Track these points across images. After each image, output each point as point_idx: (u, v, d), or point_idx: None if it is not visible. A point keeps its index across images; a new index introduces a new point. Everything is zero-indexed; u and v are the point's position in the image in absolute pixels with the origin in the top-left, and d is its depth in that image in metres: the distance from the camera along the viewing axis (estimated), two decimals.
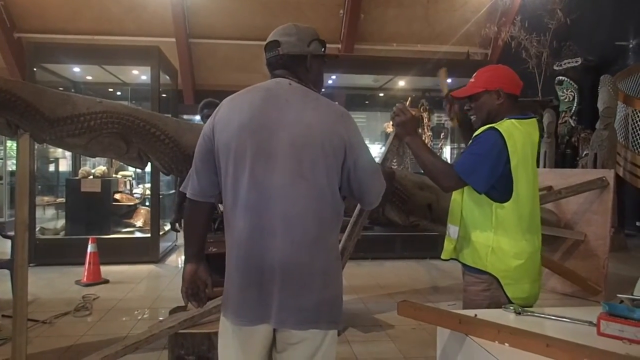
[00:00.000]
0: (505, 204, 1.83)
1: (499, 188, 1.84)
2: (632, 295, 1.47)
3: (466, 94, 1.99)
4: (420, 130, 8.20)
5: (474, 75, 1.99)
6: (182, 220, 4.16)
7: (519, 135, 1.84)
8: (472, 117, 2.01)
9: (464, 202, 1.94)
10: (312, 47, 1.58)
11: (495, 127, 1.84)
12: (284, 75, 1.57)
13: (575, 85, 8.38)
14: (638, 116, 7.68)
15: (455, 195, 2.00)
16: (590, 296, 4.47)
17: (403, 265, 6.16)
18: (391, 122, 2.10)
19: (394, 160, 2.14)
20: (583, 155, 7.92)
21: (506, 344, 1.38)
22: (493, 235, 1.85)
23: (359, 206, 2.39)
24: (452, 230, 1.99)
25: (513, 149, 1.80)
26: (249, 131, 1.47)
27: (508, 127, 1.84)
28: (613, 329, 1.41)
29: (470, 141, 1.95)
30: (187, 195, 1.63)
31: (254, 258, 1.47)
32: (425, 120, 8.13)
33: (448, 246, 2.01)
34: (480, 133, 1.89)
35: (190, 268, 1.64)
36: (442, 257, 2.05)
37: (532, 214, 1.89)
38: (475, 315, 1.55)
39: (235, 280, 1.51)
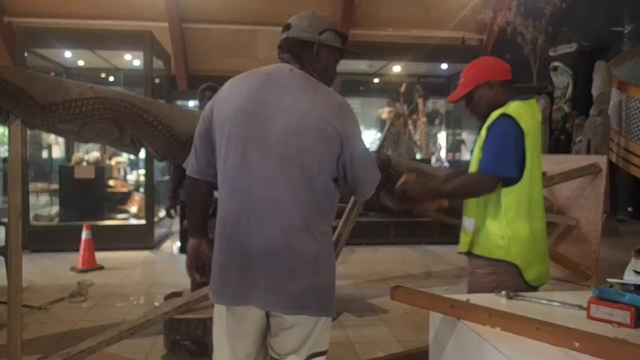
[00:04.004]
0: (515, 187, 1.85)
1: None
2: (622, 279, 1.49)
3: (459, 97, 2.00)
4: (414, 116, 8.18)
5: (461, 76, 2.01)
6: (177, 207, 4.18)
7: (526, 115, 1.86)
8: (474, 115, 2.02)
9: None
10: (323, 35, 1.56)
11: (504, 111, 1.86)
12: (288, 60, 1.56)
13: (570, 71, 8.38)
14: (632, 102, 7.70)
15: None
16: (581, 280, 4.52)
17: (397, 251, 6.20)
18: (391, 118, 2.11)
19: (390, 148, 2.16)
20: (577, 141, 7.95)
21: (497, 328, 1.39)
22: (506, 224, 1.86)
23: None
24: (468, 222, 1.98)
25: (526, 128, 1.83)
26: (243, 114, 1.48)
27: (515, 108, 1.86)
28: (603, 312, 1.44)
29: (483, 131, 1.93)
30: (187, 173, 1.67)
31: (240, 239, 1.48)
32: (420, 106, 8.11)
33: (464, 239, 2.00)
34: (492, 122, 1.90)
35: (193, 242, 1.69)
36: (459, 250, 2.03)
37: (540, 193, 1.93)
38: (468, 300, 1.57)
39: (219, 259, 1.54)
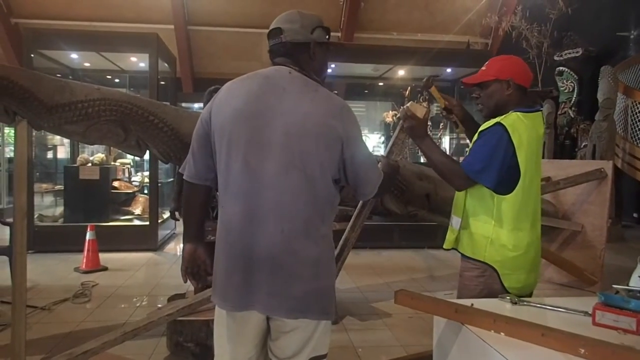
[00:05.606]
0: (508, 196, 1.83)
1: (503, 181, 1.83)
2: (628, 286, 1.48)
3: (476, 81, 1.98)
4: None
5: (486, 63, 1.99)
6: (182, 209, 4.18)
7: (524, 129, 1.83)
8: (478, 105, 2.01)
9: (467, 193, 1.95)
10: (315, 34, 1.56)
11: (501, 121, 1.84)
12: (285, 64, 1.56)
13: (575, 76, 8.35)
14: (638, 108, 7.66)
15: None
16: (586, 286, 4.50)
17: (401, 255, 6.18)
18: (399, 123, 2.11)
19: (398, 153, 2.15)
20: (582, 146, 7.92)
21: (502, 333, 1.39)
22: (493, 227, 1.86)
23: None
24: (455, 221, 2.00)
25: (519, 143, 1.80)
26: (243, 117, 1.47)
27: (514, 121, 1.84)
28: (608, 319, 1.43)
29: (476, 136, 1.93)
30: (184, 178, 1.65)
31: (243, 244, 1.48)
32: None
33: (450, 236, 2.02)
34: (485, 129, 1.88)
35: (189, 248, 1.67)
36: (444, 246, 2.06)
37: (534, 205, 1.91)
38: (472, 304, 1.56)
39: (222, 264, 1.54)
